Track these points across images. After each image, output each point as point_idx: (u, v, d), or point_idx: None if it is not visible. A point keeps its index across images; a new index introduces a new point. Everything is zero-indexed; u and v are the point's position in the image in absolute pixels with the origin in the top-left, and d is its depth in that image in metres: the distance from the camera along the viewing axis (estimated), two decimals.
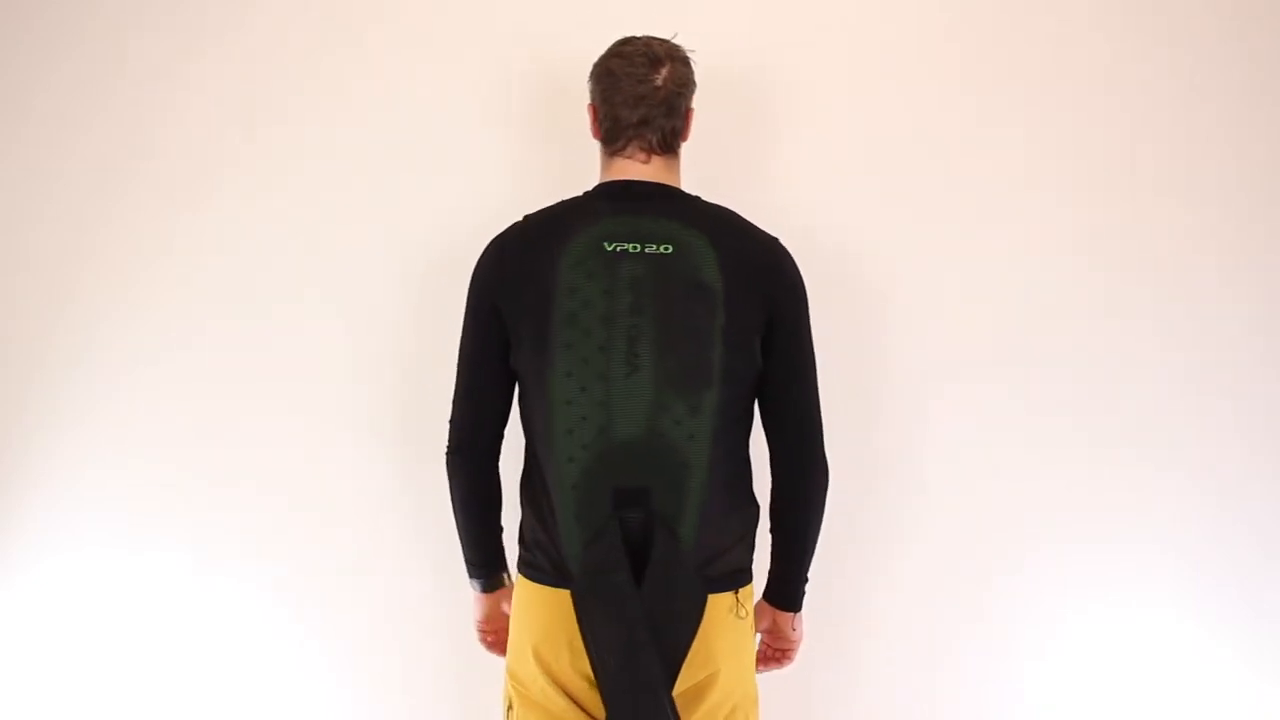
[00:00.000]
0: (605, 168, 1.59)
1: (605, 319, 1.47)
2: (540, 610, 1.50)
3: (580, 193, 1.59)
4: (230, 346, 2.14)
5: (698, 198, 1.57)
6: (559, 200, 1.59)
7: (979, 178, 2.03)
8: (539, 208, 1.59)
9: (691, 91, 1.58)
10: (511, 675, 1.55)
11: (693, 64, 1.58)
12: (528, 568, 1.54)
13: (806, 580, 1.62)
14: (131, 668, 2.15)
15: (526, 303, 1.50)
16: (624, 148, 1.55)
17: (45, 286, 2.20)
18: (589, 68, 1.60)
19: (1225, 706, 1.98)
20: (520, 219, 1.59)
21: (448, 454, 1.61)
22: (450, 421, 1.61)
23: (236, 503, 2.13)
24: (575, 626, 1.46)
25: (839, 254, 2.03)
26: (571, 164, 1.75)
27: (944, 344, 2.03)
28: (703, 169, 1.92)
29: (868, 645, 2.05)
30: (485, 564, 1.66)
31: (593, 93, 1.58)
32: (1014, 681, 2.02)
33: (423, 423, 2.10)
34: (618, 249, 1.49)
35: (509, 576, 1.68)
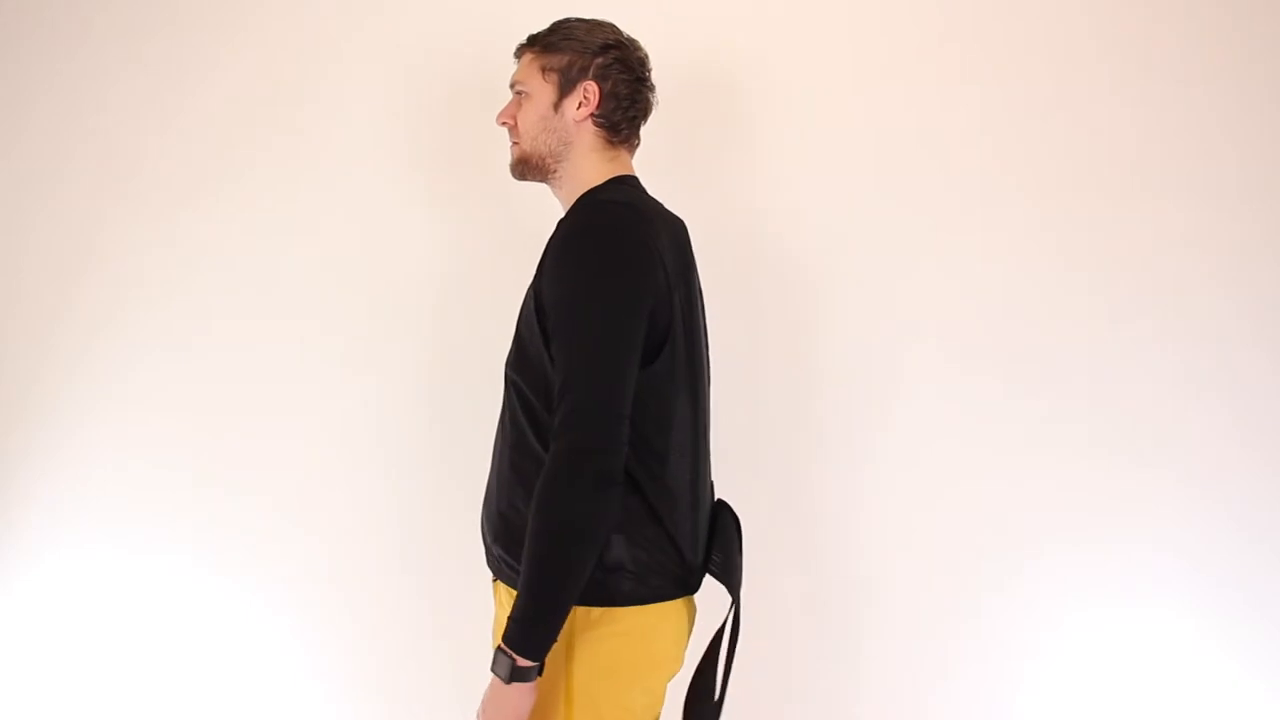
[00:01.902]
0: (611, 159, 1.47)
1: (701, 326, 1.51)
2: (676, 625, 1.41)
3: (623, 188, 1.46)
4: (231, 348, 2.15)
5: None
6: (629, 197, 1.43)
7: (977, 178, 2.03)
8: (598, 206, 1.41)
9: None
10: (625, 712, 1.38)
11: None
12: (640, 594, 1.35)
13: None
14: (131, 668, 2.15)
15: (678, 310, 1.37)
16: (629, 139, 1.50)
17: (47, 287, 2.20)
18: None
19: (1225, 706, 1.98)
20: (628, 203, 1.39)
21: (606, 458, 1.25)
22: (612, 417, 1.26)
23: (237, 504, 2.14)
24: (687, 631, 1.44)
25: (835, 255, 2.03)
26: None
27: (942, 343, 2.03)
28: (691, 168, 1.93)
29: (867, 646, 2.05)
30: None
31: (605, 73, 1.44)
32: (1014, 681, 2.02)
33: (424, 426, 2.10)
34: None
35: None
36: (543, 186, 1.51)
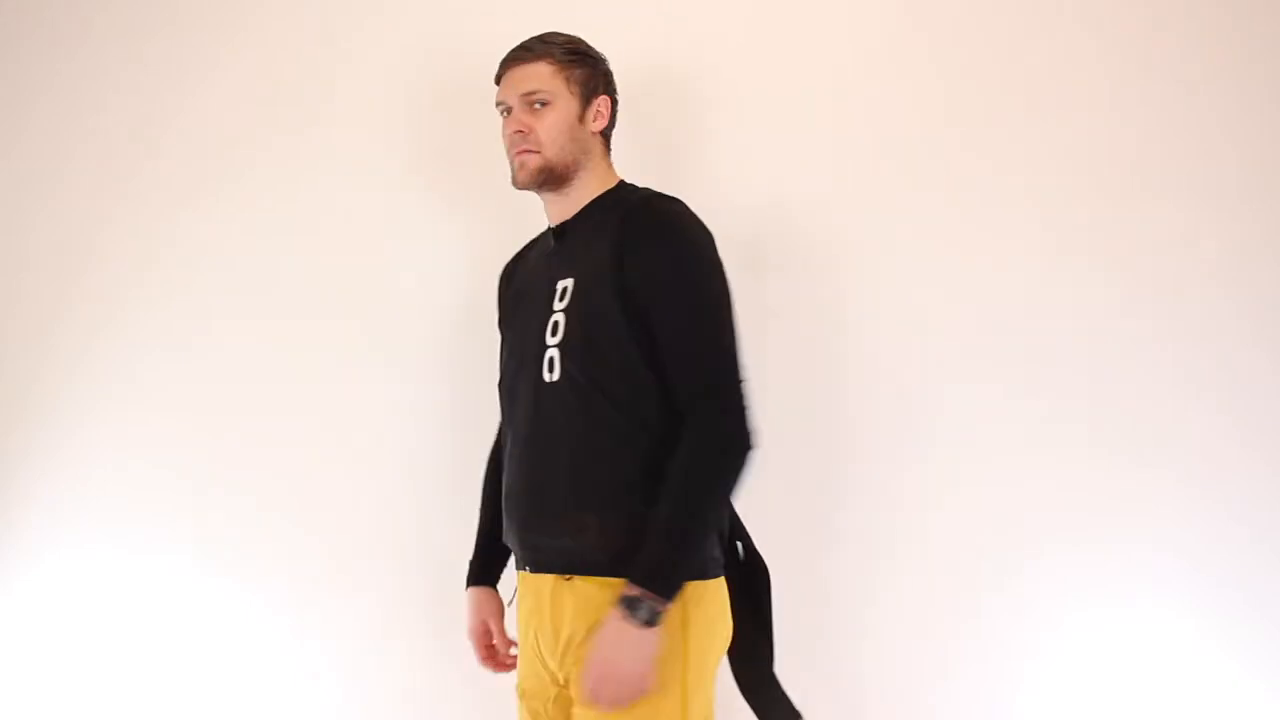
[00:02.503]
0: (610, 165, 1.61)
1: None
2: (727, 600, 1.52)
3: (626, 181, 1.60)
4: (231, 348, 2.15)
5: None
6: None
7: (977, 178, 2.03)
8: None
9: None
10: (712, 682, 1.48)
11: None
12: (717, 568, 1.49)
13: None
14: (131, 667, 2.15)
15: None
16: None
17: (47, 287, 2.20)
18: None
19: (1225, 706, 1.98)
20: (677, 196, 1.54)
21: (748, 423, 1.42)
22: (743, 382, 1.45)
23: (237, 504, 2.14)
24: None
25: (834, 256, 2.03)
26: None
27: (942, 343, 2.03)
28: (688, 168, 1.93)
29: (867, 646, 2.05)
30: None
31: (610, 88, 1.60)
32: (1014, 681, 2.02)
33: (425, 425, 2.10)
34: None
35: None
36: None
